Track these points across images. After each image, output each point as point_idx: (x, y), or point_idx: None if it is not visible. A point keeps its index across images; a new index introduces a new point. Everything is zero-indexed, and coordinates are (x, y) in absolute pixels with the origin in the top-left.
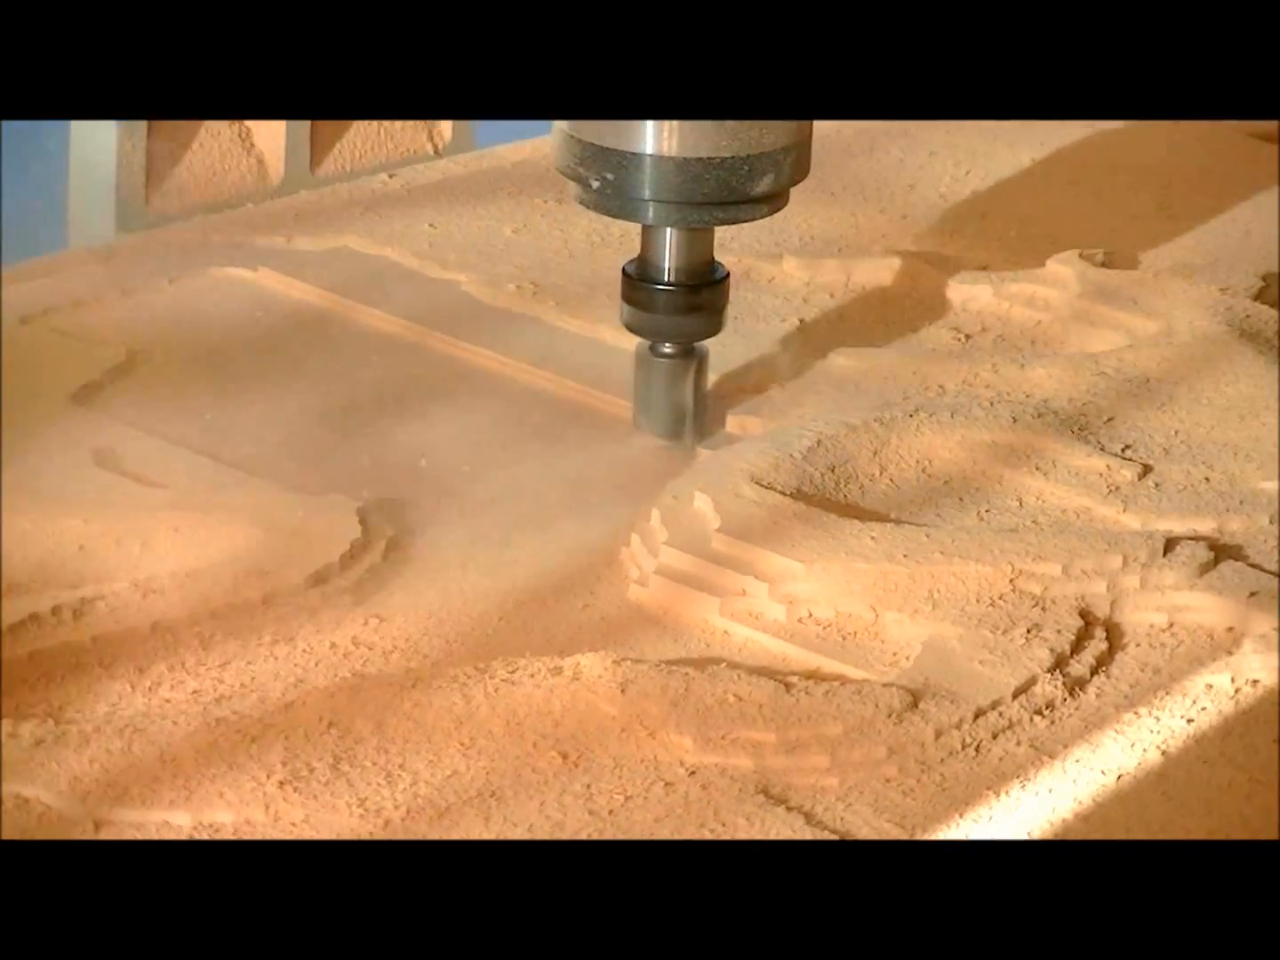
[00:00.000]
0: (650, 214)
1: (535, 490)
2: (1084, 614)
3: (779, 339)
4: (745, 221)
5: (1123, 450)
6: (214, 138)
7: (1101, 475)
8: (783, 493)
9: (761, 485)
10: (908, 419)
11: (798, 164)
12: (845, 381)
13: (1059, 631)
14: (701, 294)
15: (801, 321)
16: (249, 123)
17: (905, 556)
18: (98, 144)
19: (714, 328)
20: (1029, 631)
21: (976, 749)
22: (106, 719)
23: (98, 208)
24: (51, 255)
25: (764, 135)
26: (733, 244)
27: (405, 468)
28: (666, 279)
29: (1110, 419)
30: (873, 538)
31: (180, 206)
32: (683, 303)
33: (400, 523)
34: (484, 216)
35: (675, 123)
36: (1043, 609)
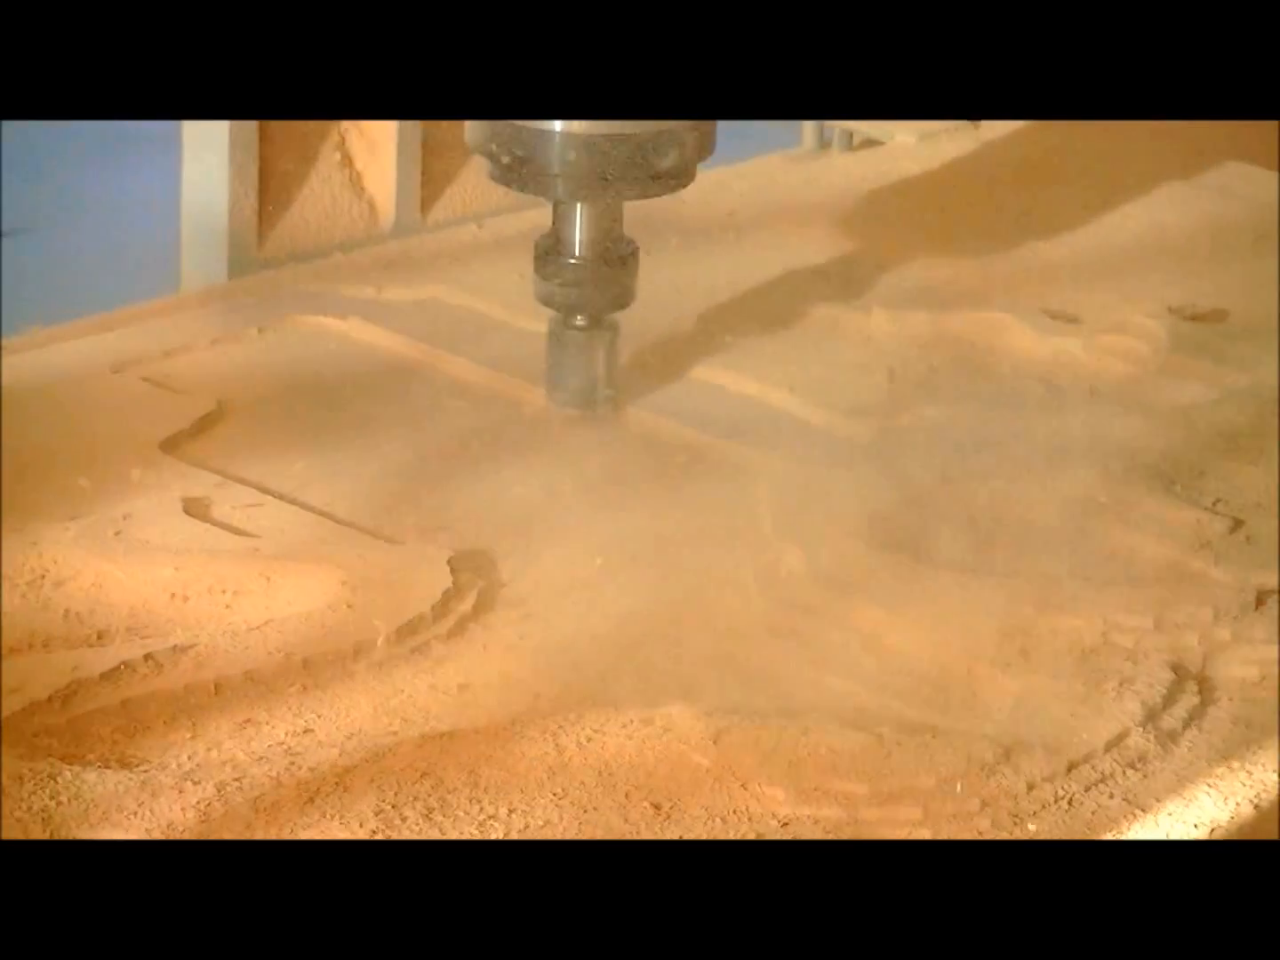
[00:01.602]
0: (560, 189)
1: (623, 538)
2: (1176, 667)
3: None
4: (651, 197)
5: (1214, 504)
6: (325, 183)
7: (1192, 528)
8: (875, 544)
9: (854, 536)
10: (999, 470)
11: (702, 141)
12: (936, 432)
13: (1151, 685)
14: (611, 267)
15: (891, 371)
16: (360, 167)
17: (997, 609)
18: (210, 188)
19: (624, 300)
20: (1121, 684)
21: (1069, 802)
22: (200, 767)
23: (210, 252)
24: (144, 303)
25: None
26: (815, 295)
27: (495, 517)
28: (577, 253)
29: (1201, 472)
30: (965, 589)
31: (291, 251)
32: (593, 276)
33: (490, 573)
34: None
35: None
36: (1134, 662)
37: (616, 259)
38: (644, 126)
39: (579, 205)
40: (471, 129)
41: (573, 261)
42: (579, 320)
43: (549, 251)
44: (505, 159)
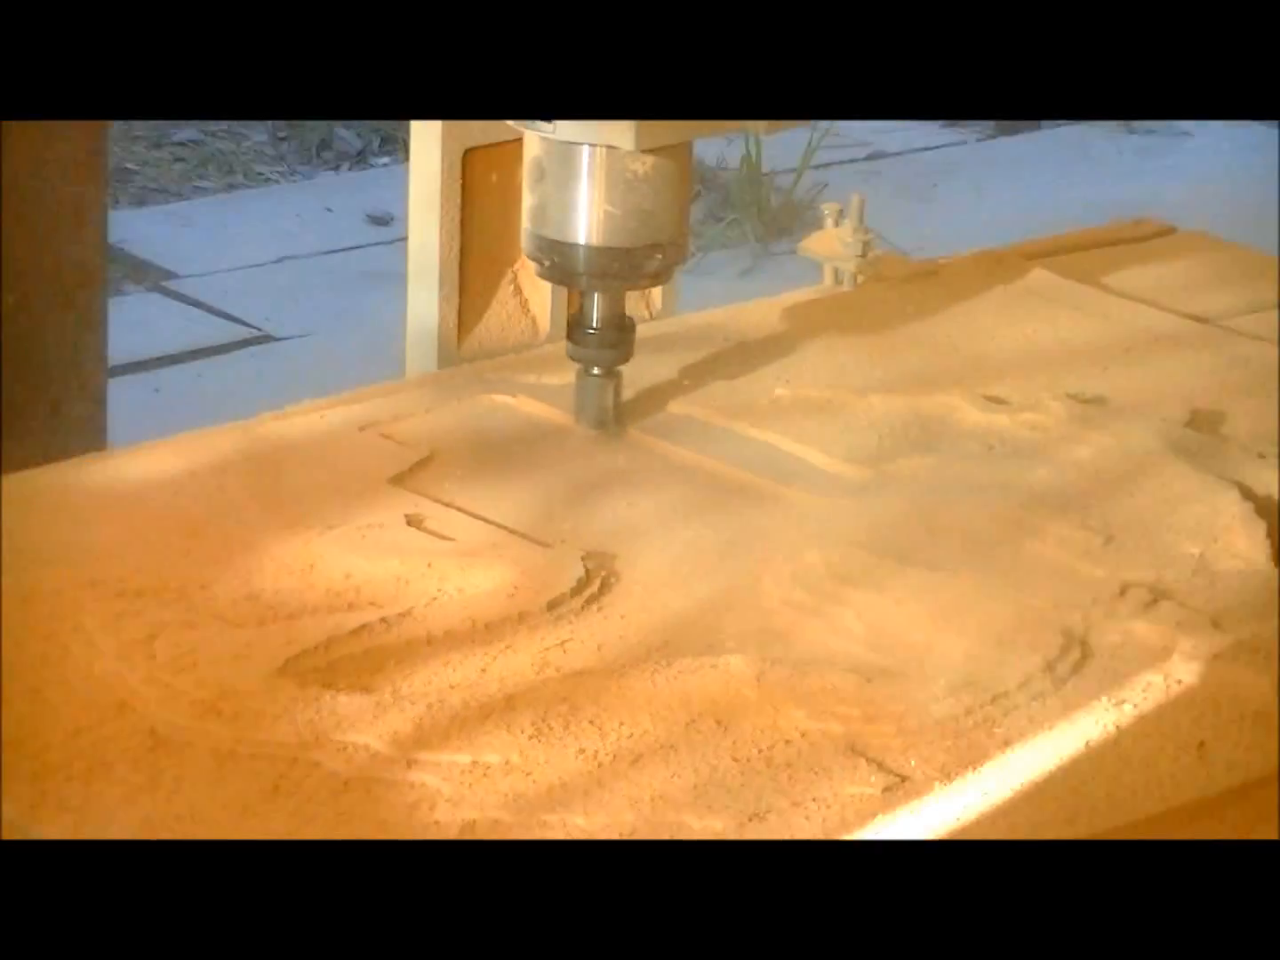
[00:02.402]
0: (583, 283)
1: (699, 546)
2: (1066, 634)
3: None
4: (644, 288)
5: (1094, 525)
6: (502, 305)
7: (1080, 542)
8: (872, 550)
9: (856, 545)
10: (954, 499)
11: (679, 249)
12: (913, 475)
13: (1049, 645)
14: (618, 335)
15: (880, 438)
16: (526, 295)
17: (955, 596)
18: (426, 307)
19: (625, 358)
20: (1029, 644)
21: (993, 722)
22: (415, 693)
23: (425, 351)
24: (381, 385)
25: (657, 230)
26: (833, 383)
27: (612, 530)
28: (594, 325)
29: (1087, 505)
30: (934, 582)
31: (480, 351)
32: (605, 340)
33: (611, 566)
34: (658, 370)
35: (599, 222)
36: (1037, 631)
37: (621, 329)
38: (638, 241)
39: (595, 293)
40: (526, 242)
41: (590, 331)
42: (595, 370)
43: (575, 324)
44: (546, 263)
